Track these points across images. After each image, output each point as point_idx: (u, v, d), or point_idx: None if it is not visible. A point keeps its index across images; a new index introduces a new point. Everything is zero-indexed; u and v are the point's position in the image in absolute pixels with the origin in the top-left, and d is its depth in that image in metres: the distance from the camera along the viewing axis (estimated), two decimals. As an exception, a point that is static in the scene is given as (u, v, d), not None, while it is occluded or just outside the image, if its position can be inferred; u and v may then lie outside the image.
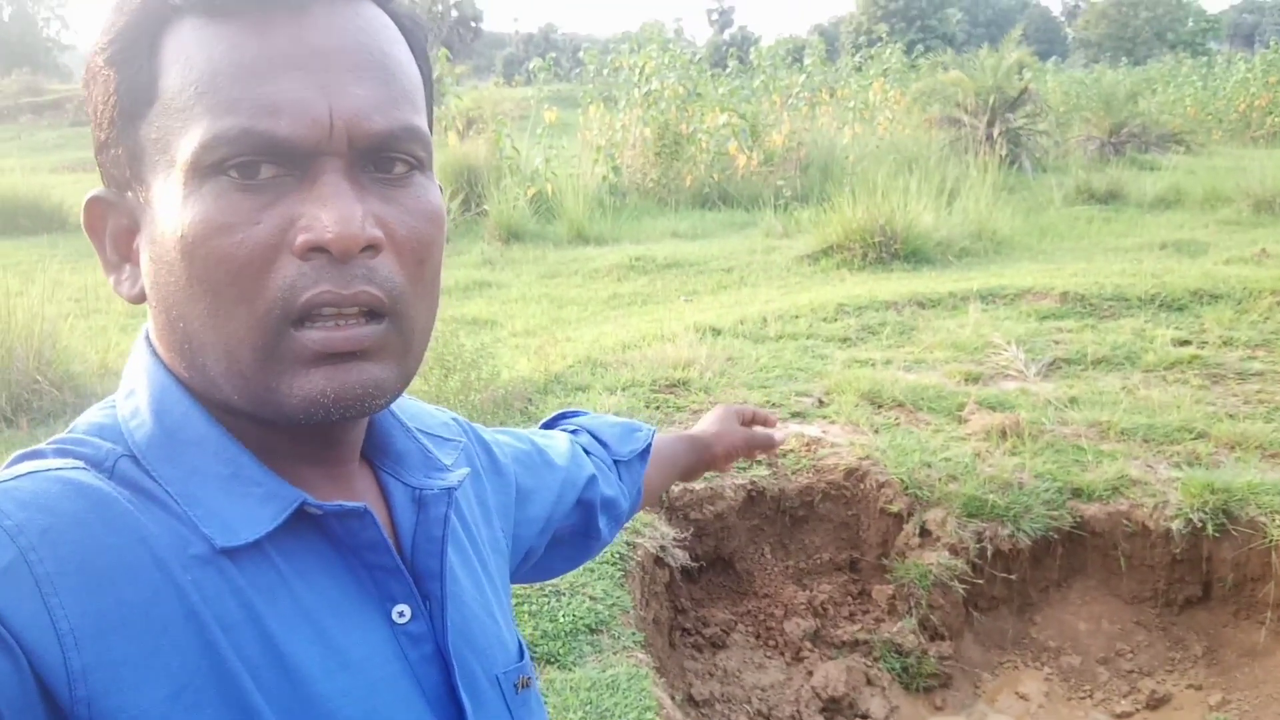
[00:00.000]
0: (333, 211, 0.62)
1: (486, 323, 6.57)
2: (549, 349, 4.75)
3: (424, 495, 0.77)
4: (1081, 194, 10.38)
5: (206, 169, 0.62)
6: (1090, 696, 3.41)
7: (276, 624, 0.64)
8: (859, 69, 19.58)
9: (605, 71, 15.42)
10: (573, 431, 1.20)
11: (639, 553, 3.27)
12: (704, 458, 1.36)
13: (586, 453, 1.16)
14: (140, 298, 0.69)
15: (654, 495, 1.30)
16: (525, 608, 2.85)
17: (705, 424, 1.40)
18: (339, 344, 0.64)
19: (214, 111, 0.62)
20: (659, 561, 3.39)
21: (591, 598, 2.92)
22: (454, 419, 0.96)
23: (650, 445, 1.24)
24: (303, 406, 0.65)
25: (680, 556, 3.47)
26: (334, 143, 0.63)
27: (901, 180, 8.37)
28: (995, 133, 11.79)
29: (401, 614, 0.72)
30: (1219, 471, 3.65)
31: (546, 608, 2.86)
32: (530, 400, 4.32)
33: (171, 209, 0.64)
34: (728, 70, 15.69)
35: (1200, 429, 4.02)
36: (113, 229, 0.70)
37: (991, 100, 12.14)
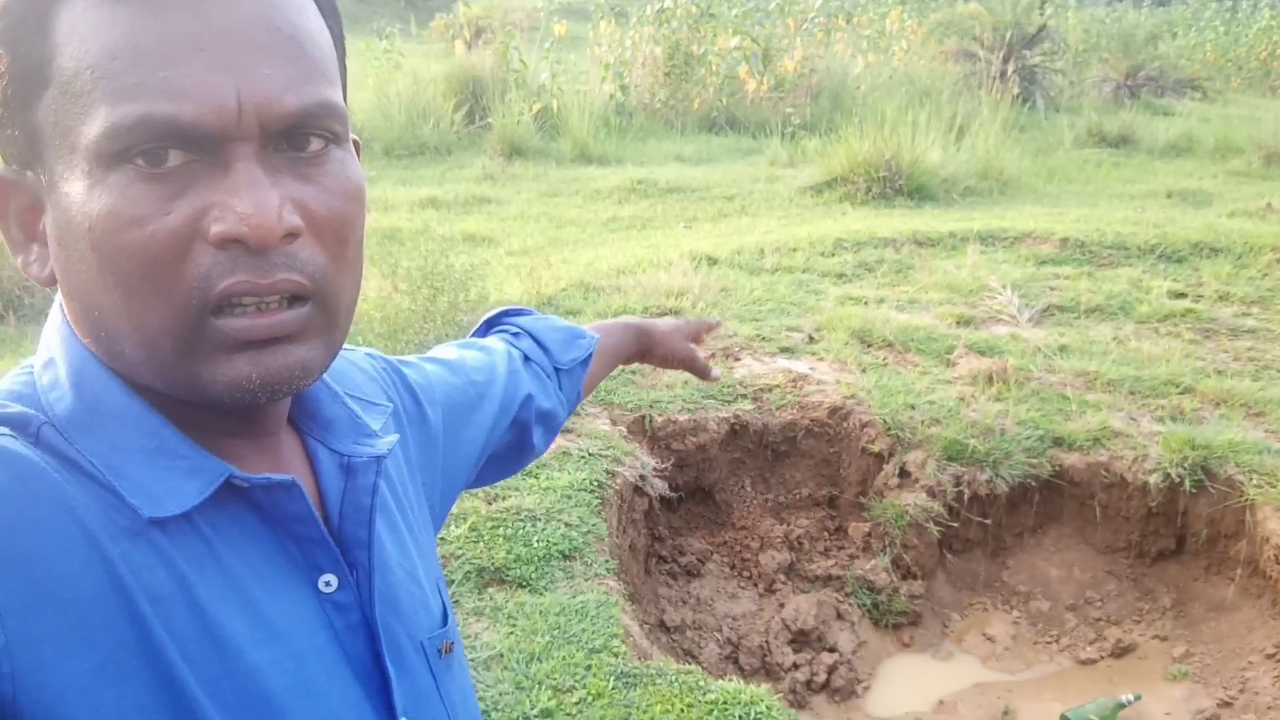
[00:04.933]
0: (248, 202, 0.60)
1: (484, 239, 6.53)
2: (541, 271, 4.73)
3: (352, 463, 0.76)
4: (1093, 136, 10.22)
5: (110, 158, 0.59)
6: (1056, 641, 3.46)
7: (206, 594, 0.64)
8: (877, -5, 19.16)
9: (617, -15, 15.12)
10: (514, 334, 1.18)
11: (618, 481, 3.29)
12: (644, 351, 1.35)
13: (527, 359, 1.14)
14: (52, 280, 0.66)
15: (594, 385, 1.30)
16: (500, 531, 2.87)
17: (658, 322, 1.39)
18: (262, 331, 0.63)
19: (113, 98, 0.59)
20: (638, 490, 3.41)
21: (567, 524, 2.95)
22: (384, 368, 0.94)
23: (592, 353, 1.22)
24: (227, 392, 0.64)
25: (659, 486, 3.50)
26: (243, 128, 0.60)
27: (911, 114, 8.23)
28: (1010, 69, 11.57)
29: (328, 583, 0.71)
30: (1201, 428, 3.66)
31: (521, 532, 2.89)
32: (520, 322, 4.30)
33: (76, 199, 0.60)
34: (743, -10, 15.36)
35: (1187, 384, 4.02)
36: (16, 209, 0.67)
37: (1009, 36, 11.91)
